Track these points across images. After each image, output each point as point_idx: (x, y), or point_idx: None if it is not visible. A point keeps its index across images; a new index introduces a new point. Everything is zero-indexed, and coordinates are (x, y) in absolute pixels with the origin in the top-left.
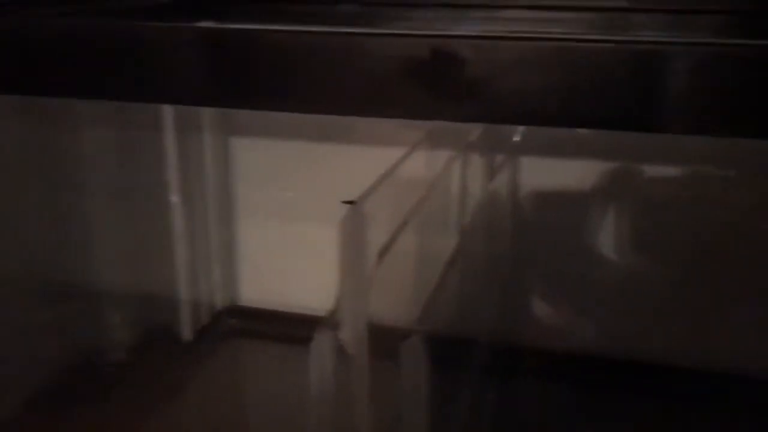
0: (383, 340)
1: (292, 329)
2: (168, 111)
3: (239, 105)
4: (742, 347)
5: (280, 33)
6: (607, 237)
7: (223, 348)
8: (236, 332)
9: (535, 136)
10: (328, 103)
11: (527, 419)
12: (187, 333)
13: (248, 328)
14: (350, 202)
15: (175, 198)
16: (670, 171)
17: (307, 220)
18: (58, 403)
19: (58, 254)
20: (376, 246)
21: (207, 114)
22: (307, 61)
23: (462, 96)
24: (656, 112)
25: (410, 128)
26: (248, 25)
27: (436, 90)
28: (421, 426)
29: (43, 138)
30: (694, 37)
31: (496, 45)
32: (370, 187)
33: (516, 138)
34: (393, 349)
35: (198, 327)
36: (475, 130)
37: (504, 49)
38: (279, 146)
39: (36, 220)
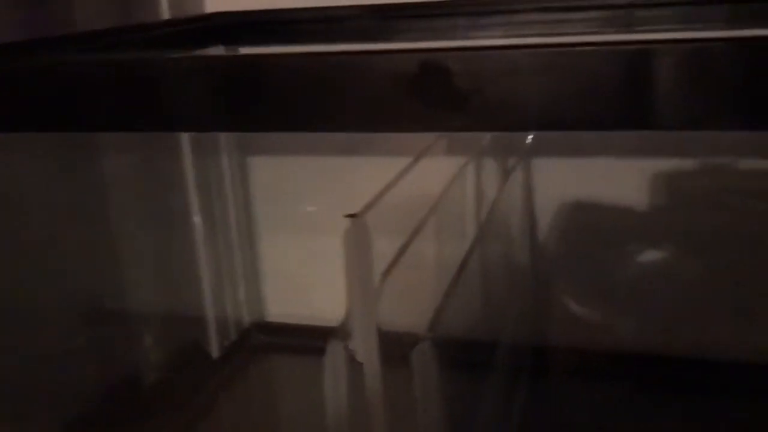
0: (395, 348)
1: (317, 342)
2: (185, 135)
3: (248, 128)
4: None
5: (280, 57)
6: (629, 234)
7: (250, 364)
8: (263, 347)
9: (548, 136)
10: (329, 121)
11: (555, 419)
12: (215, 350)
13: (275, 343)
14: (352, 216)
15: (197, 219)
16: (694, 163)
17: (327, 233)
18: (98, 424)
19: (91, 280)
20: (384, 256)
21: (224, 136)
22: (306, 82)
23: (453, 107)
24: (644, 110)
25: (428, 137)
26: (248, 51)
27: (428, 102)
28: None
29: (70, 167)
30: (704, 28)
31: (483, 55)
32: (374, 198)
33: (529, 139)
34: (406, 357)
35: (226, 344)
36: (486, 135)
37: (490, 59)
38: (296, 162)
39: (69, 247)
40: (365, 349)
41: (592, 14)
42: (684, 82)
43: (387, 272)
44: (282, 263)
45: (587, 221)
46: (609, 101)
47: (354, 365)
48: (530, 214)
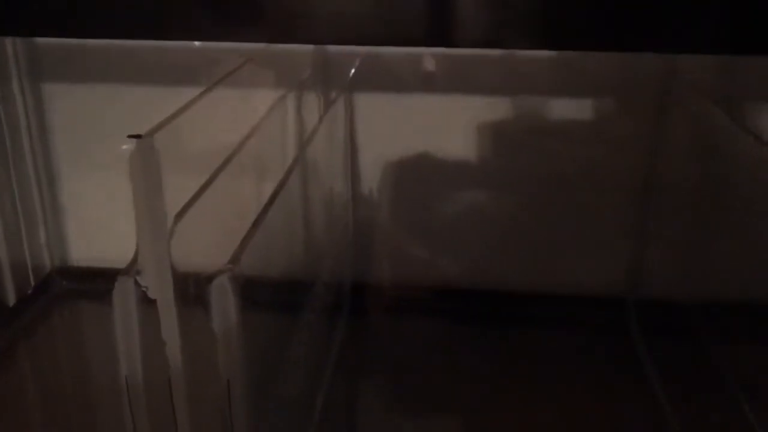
0: (192, 283)
1: None
2: None
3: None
4: (579, 270)
5: None
6: (448, 172)
7: (50, 311)
8: (66, 294)
9: (371, 71)
10: (118, 26)
11: (372, 354)
12: (12, 298)
13: (78, 289)
14: (136, 136)
15: None
16: (507, 103)
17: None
18: None
19: None
20: (191, 190)
21: (12, 59)
22: None
23: (248, 17)
24: (451, 28)
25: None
26: None
27: (224, 12)
28: (244, 369)
29: None
30: None
31: None
32: (167, 118)
33: (351, 74)
34: (204, 292)
35: (26, 291)
36: (307, 68)
37: None
38: (100, 91)
39: None
40: (157, 284)
41: None
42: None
43: (188, 204)
44: (86, 202)
45: (407, 158)
46: (407, 17)
47: (146, 302)
48: (351, 148)
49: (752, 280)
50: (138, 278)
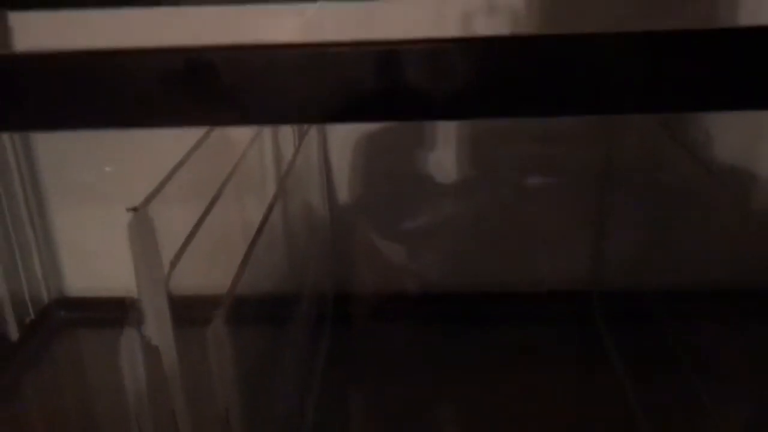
0: (191, 324)
1: (120, 313)
2: None
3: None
4: (547, 267)
5: (49, 56)
6: (418, 181)
7: (52, 341)
8: (65, 323)
9: None
10: (101, 118)
11: (356, 361)
12: (14, 331)
13: (76, 318)
14: (134, 209)
15: None
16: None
17: (118, 201)
18: None
19: None
20: (177, 236)
21: None
22: (75, 80)
23: (220, 102)
24: (396, 103)
25: None
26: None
27: (197, 98)
28: (243, 394)
29: None
30: None
31: (244, 54)
32: (156, 188)
33: None
34: (202, 334)
35: (27, 323)
36: None
37: (252, 57)
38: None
39: None
40: (159, 334)
41: None
42: (422, 78)
43: (182, 249)
44: (77, 235)
45: (378, 172)
46: (361, 95)
47: (150, 349)
48: (327, 172)
49: (698, 269)
50: (141, 329)
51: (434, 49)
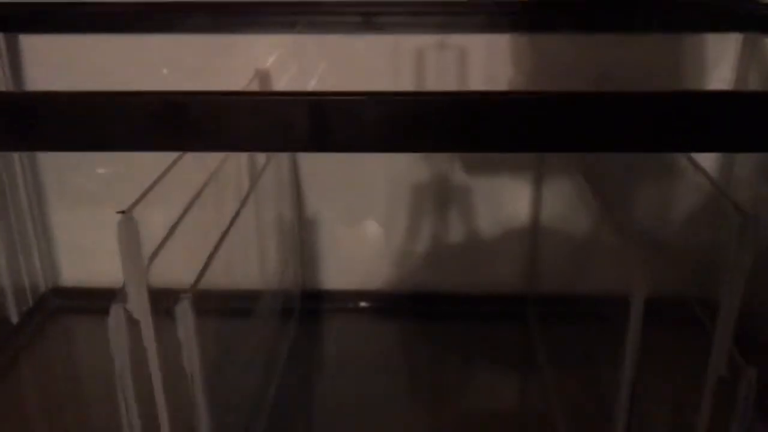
0: (165, 305)
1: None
2: None
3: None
4: (489, 271)
5: (61, 95)
6: (378, 191)
7: (48, 326)
8: (59, 310)
9: None
10: (101, 143)
11: (319, 352)
12: (14, 315)
13: (70, 306)
14: (123, 212)
15: None
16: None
17: (110, 202)
18: None
19: None
20: (159, 235)
21: None
22: (81, 114)
23: (192, 134)
24: (320, 138)
25: None
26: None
27: (171, 130)
28: (208, 376)
29: None
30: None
31: (210, 99)
32: (142, 194)
33: None
34: (172, 312)
35: (24, 309)
36: None
37: (216, 100)
38: None
39: None
40: (139, 310)
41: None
42: (341, 121)
43: (159, 247)
44: (72, 232)
45: (342, 179)
46: (295, 132)
47: (132, 323)
48: (295, 174)
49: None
50: (125, 305)
51: (349, 101)
